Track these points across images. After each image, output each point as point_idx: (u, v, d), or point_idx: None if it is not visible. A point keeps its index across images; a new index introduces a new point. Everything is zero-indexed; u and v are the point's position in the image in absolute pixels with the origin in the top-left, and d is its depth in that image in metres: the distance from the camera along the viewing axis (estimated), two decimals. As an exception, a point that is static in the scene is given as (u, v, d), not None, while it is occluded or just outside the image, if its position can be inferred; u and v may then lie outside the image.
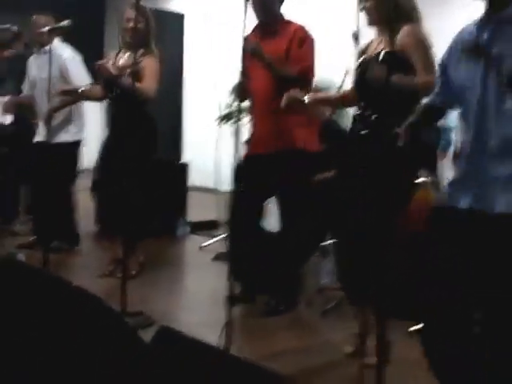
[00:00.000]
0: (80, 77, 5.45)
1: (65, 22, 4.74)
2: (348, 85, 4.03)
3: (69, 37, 5.52)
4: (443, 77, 2.66)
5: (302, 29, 4.24)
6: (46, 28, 4.87)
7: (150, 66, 4.74)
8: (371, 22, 3.48)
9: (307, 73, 4.19)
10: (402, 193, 3.40)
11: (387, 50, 3.30)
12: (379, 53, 3.35)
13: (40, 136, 5.53)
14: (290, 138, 4.16)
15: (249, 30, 3.08)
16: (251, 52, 3.99)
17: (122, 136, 4.61)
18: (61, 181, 5.44)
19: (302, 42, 4.18)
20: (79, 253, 5.70)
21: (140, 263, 4.99)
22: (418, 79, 3.24)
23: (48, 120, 4.91)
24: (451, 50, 2.61)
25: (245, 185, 4.18)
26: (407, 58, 3.26)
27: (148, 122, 4.83)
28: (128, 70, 4.66)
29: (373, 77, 3.21)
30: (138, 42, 4.67)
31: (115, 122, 4.81)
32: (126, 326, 2.56)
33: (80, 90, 5.08)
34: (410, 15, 3.36)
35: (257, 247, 4.33)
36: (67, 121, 5.50)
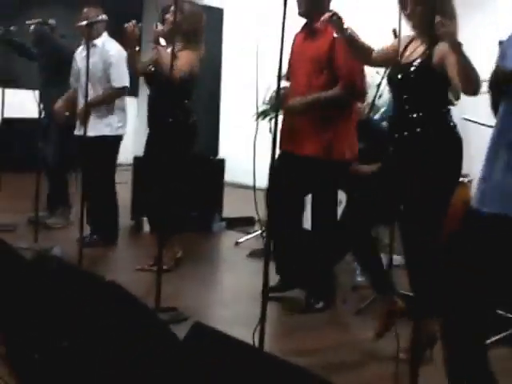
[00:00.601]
0: (121, 76, 5.49)
1: (103, 17, 4.77)
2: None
3: (108, 30, 5.58)
4: None
5: None
6: (84, 22, 4.88)
7: (184, 54, 4.71)
8: (413, 27, 3.42)
9: (354, 82, 4.05)
10: (444, 192, 3.37)
11: (422, 59, 3.27)
12: (414, 60, 3.31)
13: (78, 129, 5.57)
14: (327, 147, 4.09)
15: (289, 26, 3.04)
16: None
17: (161, 130, 4.66)
18: (101, 175, 5.48)
19: (347, 48, 4.06)
20: (115, 247, 5.73)
21: (176, 258, 5.00)
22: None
23: (85, 114, 4.95)
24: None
25: (281, 180, 4.16)
26: (441, 70, 3.19)
27: (188, 116, 4.83)
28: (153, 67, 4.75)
29: None
30: (174, 34, 4.59)
31: (155, 116, 4.80)
32: (159, 322, 2.57)
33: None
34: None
35: (296, 243, 4.32)
36: (107, 114, 5.52)
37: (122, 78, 5.50)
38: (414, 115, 3.31)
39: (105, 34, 5.56)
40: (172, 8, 4.63)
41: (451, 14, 3.25)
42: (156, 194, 4.51)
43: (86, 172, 5.22)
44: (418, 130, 3.28)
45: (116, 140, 5.62)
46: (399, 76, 3.38)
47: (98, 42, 5.31)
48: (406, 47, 3.45)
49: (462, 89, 2.98)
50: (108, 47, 5.49)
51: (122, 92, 5.55)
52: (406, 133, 3.35)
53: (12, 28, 6.18)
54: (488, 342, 3.57)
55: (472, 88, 2.90)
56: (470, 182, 4.68)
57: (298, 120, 4.16)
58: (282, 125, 4.27)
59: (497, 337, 3.65)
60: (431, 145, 3.25)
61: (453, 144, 3.36)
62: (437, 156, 3.28)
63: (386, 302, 3.56)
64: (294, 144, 4.18)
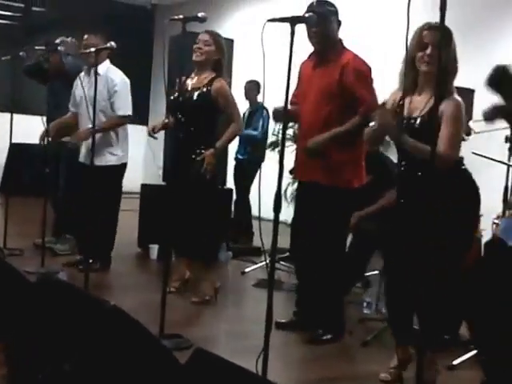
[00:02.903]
0: (125, 105, 5.52)
1: (112, 43, 4.79)
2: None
3: (117, 59, 5.61)
4: None
5: (358, 59, 4.12)
6: (93, 48, 4.91)
7: (222, 90, 4.79)
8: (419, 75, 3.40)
9: (371, 110, 3.99)
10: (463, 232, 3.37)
11: (425, 114, 3.27)
12: (419, 116, 3.31)
13: (83, 157, 5.60)
14: (335, 175, 4.10)
15: (298, 57, 3.07)
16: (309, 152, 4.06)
17: (189, 160, 4.71)
18: (104, 203, 5.46)
19: (361, 75, 4.06)
20: (122, 273, 5.72)
21: (215, 288, 5.00)
22: (439, 148, 3.10)
23: (85, 138, 4.96)
24: None
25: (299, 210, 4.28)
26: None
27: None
28: (196, 92, 4.77)
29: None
30: (207, 64, 4.79)
31: (181, 146, 4.76)
32: (161, 348, 2.55)
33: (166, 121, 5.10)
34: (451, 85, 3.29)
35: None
36: (113, 143, 5.54)
37: (126, 107, 5.53)
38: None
39: (107, 62, 5.55)
40: (204, 38, 4.74)
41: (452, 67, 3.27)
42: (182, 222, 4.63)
43: (87, 199, 5.24)
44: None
45: (121, 168, 5.64)
46: (405, 128, 3.36)
47: (100, 69, 5.26)
48: (401, 99, 3.43)
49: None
50: (112, 75, 5.50)
51: (126, 120, 5.58)
52: (419, 173, 3.33)
53: (21, 54, 6.21)
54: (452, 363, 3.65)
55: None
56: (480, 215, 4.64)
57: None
58: (297, 155, 4.31)
59: (460, 359, 3.77)
60: (448, 192, 3.15)
61: (469, 189, 3.37)
62: (455, 203, 3.25)
63: (403, 351, 3.51)
64: (308, 172, 4.20)
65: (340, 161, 4.09)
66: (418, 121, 3.30)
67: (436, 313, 3.09)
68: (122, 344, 2.54)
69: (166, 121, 5.01)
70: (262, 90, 7.30)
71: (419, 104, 3.35)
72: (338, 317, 4.26)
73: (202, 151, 4.72)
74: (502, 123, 3.73)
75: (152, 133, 4.97)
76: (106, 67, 5.50)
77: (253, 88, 7.52)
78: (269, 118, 7.22)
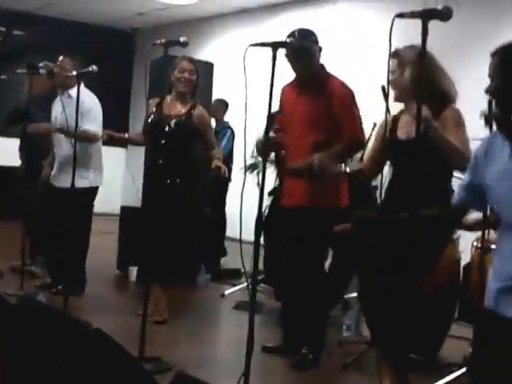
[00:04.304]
0: (92, 124, 5.42)
1: (93, 67, 4.78)
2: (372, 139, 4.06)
3: (97, 83, 5.59)
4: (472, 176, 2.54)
5: (342, 85, 4.17)
6: (74, 72, 4.90)
7: (204, 118, 4.90)
8: (398, 98, 3.49)
9: (358, 136, 4.13)
10: (432, 250, 3.40)
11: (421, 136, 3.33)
12: (413, 139, 3.37)
13: (53, 178, 5.58)
14: (321, 197, 4.13)
15: (279, 80, 3.10)
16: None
17: (168, 183, 4.74)
18: (75, 226, 5.34)
19: (346, 102, 4.11)
20: (102, 296, 5.69)
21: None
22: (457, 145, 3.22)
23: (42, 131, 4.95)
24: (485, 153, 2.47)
25: (280, 235, 4.32)
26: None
27: (195, 171, 4.90)
28: (176, 119, 4.80)
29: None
30: (189, 92, 4.86)
31: (161, 169, 4.75)
32: (142, 371, 2.54)
33: (126, 136, 5.18)
34: (446, 95, 3.37)
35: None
36: (84, 166, 5.43)
37: (94, 126, 5.43)
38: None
39: (81, 85, 5.46)
40: (183, 65, 4.79)
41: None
42: (163, 244, 4.63)
43: (54, 224, 5.22)
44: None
45: (92, 191, 5.60)
46: (396, 152, 3.42)
47: (72, 92, 5.24)
48: (395, 123, 3.50)
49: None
50: (82, 98, 5.23)
51: (93, 137, 5.43)
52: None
53: (2, 77, 6.19)
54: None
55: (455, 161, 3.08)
56: (457, 239, 4.69)
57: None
58: (284, 182, 4.36)
59: (440, 382, 3.78)
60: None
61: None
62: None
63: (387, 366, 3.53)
64: (292, 197, 4.23)
65: (326, 183, 4.12)
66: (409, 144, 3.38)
67: (409, 332, 3.11)
68: (105, 367, 2.53)
69: (126, 136, 5.12)
70: (229, 109, 7.39)
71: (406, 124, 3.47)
72: (320, 336, 4.26)
73: (179, 177, 4.77)
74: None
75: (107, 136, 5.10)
76: (79, 90, 5.43)
77: (219, 107, 7.54)
78: (233, 138, 7.27)
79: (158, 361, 3.83)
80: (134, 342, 3.68)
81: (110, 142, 5.21)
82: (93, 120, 5.43)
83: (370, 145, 4.83)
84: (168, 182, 4.76)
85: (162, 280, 4.91)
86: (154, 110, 4.82)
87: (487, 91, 2.37)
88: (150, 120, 4.85)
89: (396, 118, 3.58)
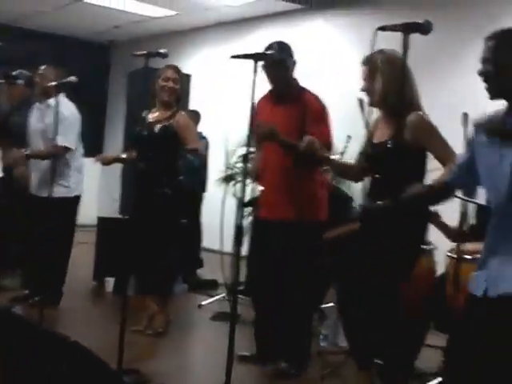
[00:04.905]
0: (66, 135, 5.32)
1: (72, 78, 4.78)
2: (350, 151, 4.10)
3: (74, 94, 5.58)
4: (469, 158, 2.62)
5: (316, 99, 4.23)
6: (54, 83, 4.91)
7: (185, 123, 4.90)
8: (373, 104, 3.56)
9: (328, 148, 4.14)
10: (407, 259, 3.45)
11: (393, 137, 3.39)
12: (387, 141, 3.43)
13: (33, 188, 5.54)
14: (302, 210, 4.16)
15: (257, 93, 3.13)
16: (266, 136, 4.02)
17: (152, 194, 4.76)
18: (56, 237, 5.35)
19: (319, 116, 4.17)
20: (78, 307, 5.66)
21: (167, 320, 5.01)
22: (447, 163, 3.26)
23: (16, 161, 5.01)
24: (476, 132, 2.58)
25: (259, 247, 4.31)
26: (415, 147, 3.32)
27: (176, 177, 4.90)
28: (159, 125, 4.82)
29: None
30: (173, 101, 4.91)
31: (144, 177, 4.77)
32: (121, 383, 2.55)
33: (123, 157, 5.25)
34: (413, 102, 3.42)
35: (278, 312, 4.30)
36: (64, 175, 5.44)
37: (67, 137, 5.35)
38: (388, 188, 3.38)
39: (60, 95, 5.36)
40: (168, 74, 4.84)
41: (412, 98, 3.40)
42: (148, 253, 4.69)
43: (34, 234, 5.21)
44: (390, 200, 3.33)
45: (73, 201, 5.57)
46: (372, 154, 3.48)
47: (52, 101, 5.22)
48: (373, 129, 3.57)
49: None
50: (62, 108, 5.26)
51: (62, 151, 5.36)
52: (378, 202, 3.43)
53: None
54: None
55: None
56: (433, 250, 4.73)
57: (273, 187, 4.23)
58: (262, 194, 4.36)
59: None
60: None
61: (423, 215, 3.47)
62: (405, 224, 3.34)
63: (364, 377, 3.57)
64: (270, 210, 4.24)
65: (306, 196, 4.18)
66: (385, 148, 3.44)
67: (388, 342, 3.16)
68: (84, 381, 2.54)
69: (124, 156, 5.09)
70: (201, 120, 7.42)
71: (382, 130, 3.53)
72: (304, 350, 4.28)
73: (163, 185, 4.78)
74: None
75: (101, 161, 5.18)
76: (57, 100, 5.42)
77: (193, 117, 7.55)
78: (207, 148, 7.29)
79: (137, 373, 3.83)
80: (113, 354, 3.67)
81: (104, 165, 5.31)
82: (66, 130, 5.34)
83: (345, 157, 4.92)
84: (152, 189, 4.77)
85: (157, 293, 4.95)
86: (141, 121, 4.87)
87: (480, 73, 2.45)
88: (135, 131, 4.92)
89: (375, 124, 3.64)
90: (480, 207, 3.97)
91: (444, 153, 3.32)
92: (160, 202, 4.77)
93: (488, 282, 2.41)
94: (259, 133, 3.94)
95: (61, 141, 5.23)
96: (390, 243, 2.99)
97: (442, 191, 2.85)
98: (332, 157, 3.84)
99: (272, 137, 3.97)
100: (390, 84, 3.40)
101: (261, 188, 4.36)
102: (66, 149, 5.41)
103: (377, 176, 3.52)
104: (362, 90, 3.58)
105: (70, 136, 5.41)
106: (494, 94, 2.43)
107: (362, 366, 3.55)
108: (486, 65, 2.44)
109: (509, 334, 2.33)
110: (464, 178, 2.66)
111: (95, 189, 11.15)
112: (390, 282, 3.35)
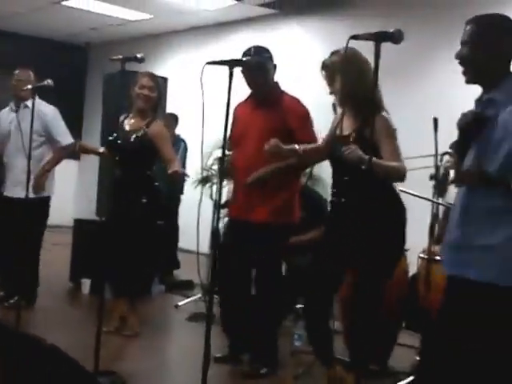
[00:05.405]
0: (63, 132, 5.55)
1: (49, 81, 4.79)
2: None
3: (50, 96, 5.57)
4: None
5: (298, 103, 4.28)
6: (29, 86, 4.92)
7: (160, 133, 4.88)
8: (339, 104, 3.66)
9: None
10: (392, 257, 3.54)
11: (355, 132, 3.49)
12: (350, 134, 3.50)
13: (7, 190, 5.55)
14: (275, 212, 4.20)
15: (234, 98, 3.17)
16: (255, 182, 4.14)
17: (127, 198, 4.76)
18: (28, 237, 5.28)
19: (304, 121, 4.23)
20: (55, 309, 5.66)
21: (135, 321, 5.03)
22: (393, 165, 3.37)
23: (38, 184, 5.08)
24: None
25: (233, 247, 4.32)
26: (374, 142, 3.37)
27: (152, 185, 4.93)
28: (134, 135, 4.84)
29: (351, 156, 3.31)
30: (149, 108, 4.91)
31: (120, 184, 4.75)
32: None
33: (101, 151, 5.22)
34: (377, 105, 3.47)
35: (245, 309, 4.37)
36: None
37: (64, 134, 5.55)
38: (354, 184, 3.46)
39: (36, 97, 5.25)
40: (143, 82, 4.85)
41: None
42: (122, 258, 4.72)
43: (6, 235, 5.23)
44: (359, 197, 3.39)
45: (44, 201, 5.58)
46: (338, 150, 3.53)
47: (29, 103, 5.22)
48: (341, 120, 3.63)
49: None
50: (43, 109, 5.42)
51: (71, 148, 5.56)
52: (343, 199, 3.51)
53: None
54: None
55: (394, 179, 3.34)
56: (405, 251, 4.81)
57: (248, 188, 4.24)
58: (234, 194, 4.41)
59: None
60: (375, 212, 3.34)
61: (398, 211, 3.54)
62: (382, 224, 3.41)
63: (330, 372, 3.65)
64: (246, 211, 4.27)
65: (279, 198, 4.22)
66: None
67: (361, 341, 3.23)
68: (60, 383, 2.56)
69: (101, 150, 5.15)
70: (179, 123, 7.45)
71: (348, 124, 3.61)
72: (273, 350, 4.33)
73: (137, 192, 4.82)
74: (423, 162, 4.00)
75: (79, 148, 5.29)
76: (35, 102, 5.40)
77: (170, 120, 7.57)
78: (186, 150, 7.32)
79: (114, 374, 3.85)
80: (88, 355, 3.69)
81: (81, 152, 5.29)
82: (61, 127, 5.54)
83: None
84: (131, 197, 4.80)
85: (129, 294, 4.98)
86: (118, 126, 4.88)
87: (456, 56, 2.53)
88: (112, 136, 4.91)
89: (338, 120, 3.71)
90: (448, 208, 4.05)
91: (390, 156, 3.40)
92: (137, 211, 4.80)
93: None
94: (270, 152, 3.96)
95: (64, 140, 5.46)
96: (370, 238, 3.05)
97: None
98: (297, 147, 3.88)
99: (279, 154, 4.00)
100: (348, 81, 3.47)
101: (231, 187, 4.41)
102: (71, 144, 5.53)
103: (346, 179, 3.58)
104: (330, 93, 3.66)
105: (65, 131, 5.58)
106: (470, 77, 2.52)
107: (324, 363, 3.65)
108: (462, 48, 2.52)
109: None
110: None
111: (72, 190, 11.14)
112: (374, 279, 3.44)
